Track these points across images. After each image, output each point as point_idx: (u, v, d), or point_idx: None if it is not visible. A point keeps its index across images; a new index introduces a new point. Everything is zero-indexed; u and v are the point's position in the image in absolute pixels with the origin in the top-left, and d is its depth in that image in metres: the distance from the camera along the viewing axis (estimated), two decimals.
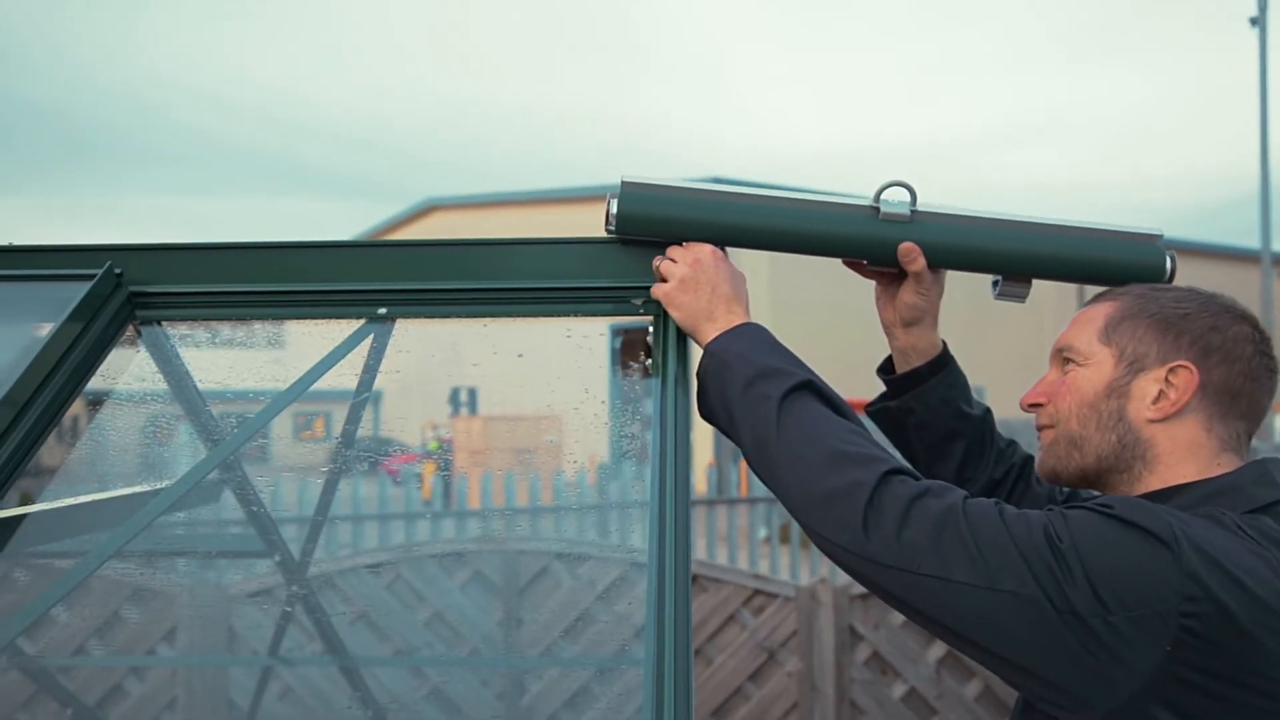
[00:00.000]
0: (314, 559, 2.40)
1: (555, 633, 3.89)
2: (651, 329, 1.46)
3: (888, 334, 1.54)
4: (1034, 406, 1.35)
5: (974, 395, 1.56)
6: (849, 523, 1.14)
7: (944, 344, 1.53)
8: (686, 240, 1.44)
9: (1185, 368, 1.23)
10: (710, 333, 1.35)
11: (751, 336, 1.34)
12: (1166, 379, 1.24)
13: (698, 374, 1.36)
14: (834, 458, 1.19)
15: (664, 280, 1.41)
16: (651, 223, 1.44)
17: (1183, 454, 1.23)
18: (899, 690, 3.86)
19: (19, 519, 1.62)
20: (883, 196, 1.42)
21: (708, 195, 1.44)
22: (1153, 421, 1.24)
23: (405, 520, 7.42)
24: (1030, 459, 1.56)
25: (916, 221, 1.42)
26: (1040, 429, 1.35)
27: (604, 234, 1.47)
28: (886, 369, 1.57)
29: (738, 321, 1.36)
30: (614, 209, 1.43)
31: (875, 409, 1.58)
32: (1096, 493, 1.34)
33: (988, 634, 1.11)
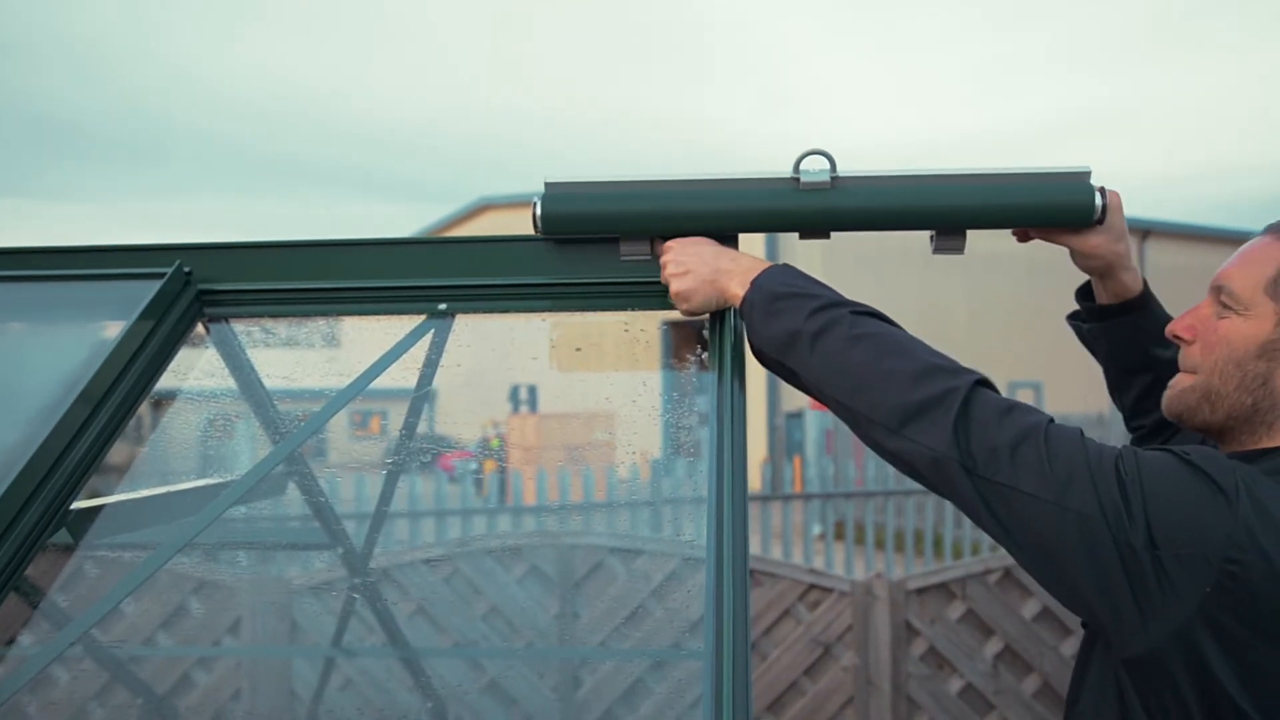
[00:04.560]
0: (373, 554, 2.44)
1: (610, 626, 3.91)
2: (707, 323, 1.47)
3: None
4: (1178, 339, 1.31)
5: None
6: (941, 426, 1.16)
7: (1144, 286, 1.51)
8: (617, 233, 1.46)
9: None
10: (732, 282, 1.37)
11: (797, 273, 1.35)
12: None
13: (743, 311, 1.36)
14: (927, 368, 1.20)
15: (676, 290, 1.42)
16: (577, 220, 1.46)
17: None
18: (956, 686, 3.82)
19: (94, 511, 1.67)
20: (802, 166, 1.42)
21: (629, 187, 1.45)
22: None
23: (461, 516, 7.49)
24: None
25: (838, 188, 1.42)
26: (1180, 369, 1.31)
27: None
28: (1085, 293, 1.58)
29: (754, 264, 1.37)
30: (539, 211, 1.45)
31: (1072, 325, 1.60)
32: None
33: (1048, 550, 1.13)
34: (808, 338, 1.27)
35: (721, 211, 1.44)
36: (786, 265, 1.37)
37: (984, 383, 1.19)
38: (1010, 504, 1.13)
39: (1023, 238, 1.51)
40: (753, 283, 1.35)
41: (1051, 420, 1.17)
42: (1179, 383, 1.30)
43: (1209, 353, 1.25)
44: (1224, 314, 1.25)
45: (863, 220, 1.43)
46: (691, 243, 1.42)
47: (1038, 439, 1.13)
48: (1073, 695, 1.30)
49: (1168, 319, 1.51)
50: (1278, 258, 1.21)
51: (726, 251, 1.41)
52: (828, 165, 1.41)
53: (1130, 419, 1.60)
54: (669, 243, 1.44)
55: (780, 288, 1.32)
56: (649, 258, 1.48)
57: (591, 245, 1.50)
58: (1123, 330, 1.51)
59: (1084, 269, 1.49)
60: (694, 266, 1.39)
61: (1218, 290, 1.26)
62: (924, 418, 1.17)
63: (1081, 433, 1.16)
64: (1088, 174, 1.40)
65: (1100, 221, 1.40)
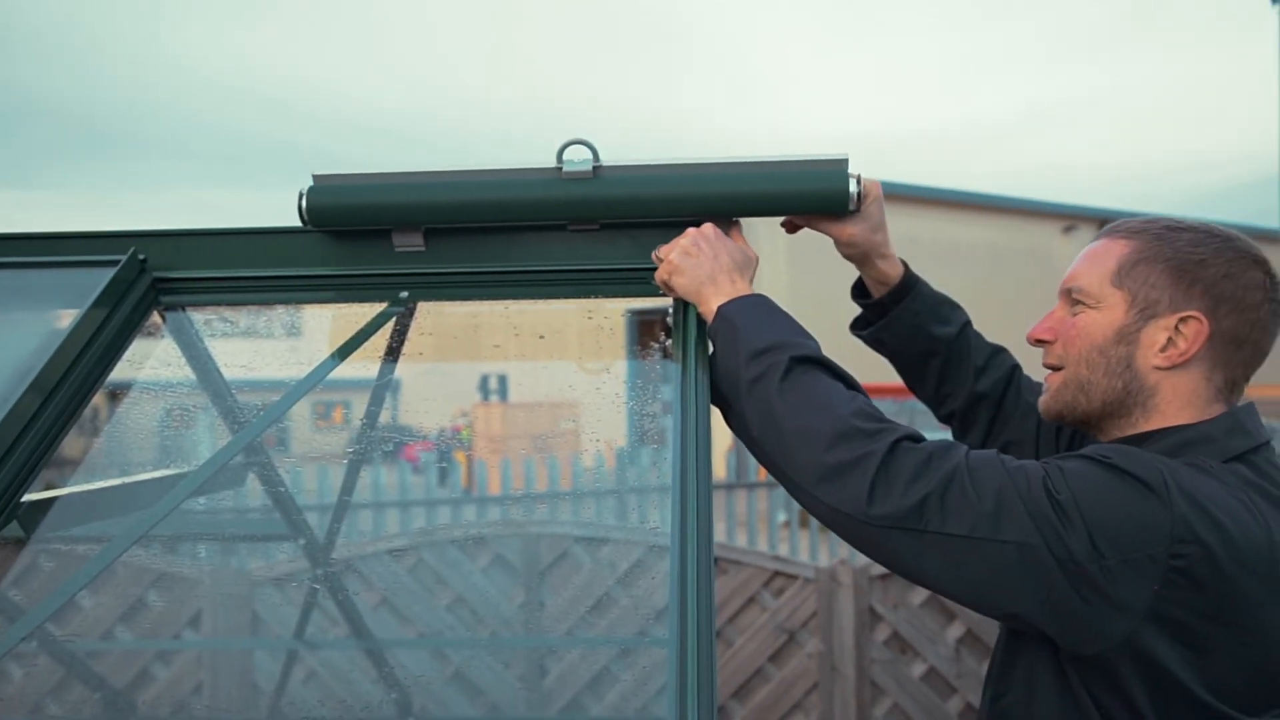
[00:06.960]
0: (336, 544, 2.42)
1: (576, 615, 3.91)
2: (672, 310, 1.46)
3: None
4: (1040, 343, 1.36)
5: (949, 309, 1.59)
6: (857, 493, 1.16)
7: (904, 269, 1.55)
8: (386, 224, 1.47)
9: (1195, 318, 1.24)
10: (714, 298, 1.35)
11: (758, 306, 1.34)
12: (1176, 328, 1.24)
13: (708, 335, 1.36)
14: (844, 431, 1.19)
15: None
16: (342, 212, 1.46)
17: (1182, 402, 1.26)
18: (919, 669, 3.86)
19: (47, 503, 1.64)
20: (565, 156, 1.43)
21: (393, 179, 1.46)
22: (1159, 369, 1.26)
23: (426, 506, 7.45)
24: (1017, 367, 1.61)
25: (599, 177, 1.43)
26: (1047, 368, 1.36)
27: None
28: (862, 293, 1.60)
29: (744, 290, 1.36)
30: (304, 204, 1.46)
31: (857, 335, 1.63)
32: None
33: (993, 586, 1.15)
34: (745, 383, 1.27)
35: (485, 201, 1.44)
36: (759, 297, 1.35)
37: (903, 438, 1.19)
38: (946, 552, 1.14)
39: (790, 228, 1.53)
40: (718, 310, 1.33)
41: (969, 451, 1.18)
42: (1050, 384, 1.35)
43: (1071, 345, 1.31)
44: (1078, 310, 1.31)
45: (625, 209, 1.43)
46: (720, 239, 1.40)
47: (962, 479, 1.15)
48: (998, 689, 1.30)
49: (937, 294, 1.59)
50: (1117, 253, 1.29)
51: (738, 269, 1.38)
52: (590, 155, 1.42)
53: (938, 408, 1.64)
54: (707, 225, 1.42)
55: (735, 324, 1.31)
56: (422, 248, 1.49)
57: (554, 233, 1.49)
58: (903, 320, 1.55)
59: (845, 257, 1.53)
60: (704, 258, 1.37)
61: (1068, 292, 1.33)
62: (836, 481, 1.18)
63: (1000, 456, 1.18)
64: (845, 162, 1.42)
65: (857, 210, 1.44)
